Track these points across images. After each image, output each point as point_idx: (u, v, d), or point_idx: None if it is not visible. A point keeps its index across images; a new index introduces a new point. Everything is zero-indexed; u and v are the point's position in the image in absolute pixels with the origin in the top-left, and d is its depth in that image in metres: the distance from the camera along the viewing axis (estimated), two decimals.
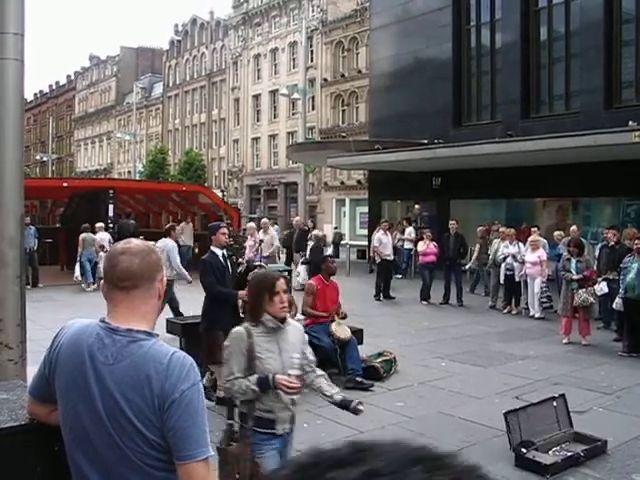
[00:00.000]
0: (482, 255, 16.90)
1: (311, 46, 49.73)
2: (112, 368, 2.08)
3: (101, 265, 18.21)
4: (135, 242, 2.25)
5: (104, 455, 2.09)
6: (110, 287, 2.19)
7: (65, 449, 2.21)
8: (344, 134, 34.18)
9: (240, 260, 8.08)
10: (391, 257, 17.88)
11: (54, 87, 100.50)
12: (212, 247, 7.71)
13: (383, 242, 17.44)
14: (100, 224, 19.13)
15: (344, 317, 9.27)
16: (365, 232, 31.40)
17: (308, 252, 18.08)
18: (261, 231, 17.30)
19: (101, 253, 17.31)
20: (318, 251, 16.76)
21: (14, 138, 6.12)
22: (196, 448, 2.04)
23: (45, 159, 79.09)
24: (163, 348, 2.11)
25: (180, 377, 2.05)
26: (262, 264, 9.47)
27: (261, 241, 15.87)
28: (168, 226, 13.10)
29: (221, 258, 7.61)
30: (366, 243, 27.28)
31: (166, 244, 11.75)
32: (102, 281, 2.24)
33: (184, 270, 12.06)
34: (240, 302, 7.43)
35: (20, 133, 6.32)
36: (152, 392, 2.04)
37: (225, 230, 7.80)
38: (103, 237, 18.46)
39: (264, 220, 17.88)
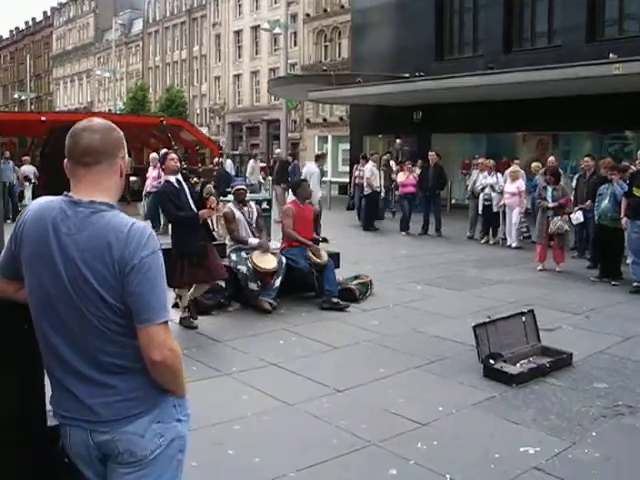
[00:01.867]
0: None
1: None
2: (75, 237, 2.15)
3: (27, 194, 19.61)
4: (97, 120, 2.30)
5: (69, 323, 2.18)
6: (73, 163, 2.25)
7: (33, 325, 2.31)
8: (326, 69, 33.79)
9: (194, 180, 8.05)
10: (380, 189, 17.97)
11: (30, 24, 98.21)
12: (164, 175, 7.71)
13: (374, 173, 17.51)
14: (26, 157, 21.60)
15: (324, 240, 9.44)
16: (347, 169, 31.34)
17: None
18: (150, 168, 16.64)
19: (26, 183, 19.89)
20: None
21: None
22: (155, 312, 2.14)
23: (23, 98, 77.77)
24: (124, 219, 2.19)
25: (140, 245, 2.13)
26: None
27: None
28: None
29: (176, 184, 7.59)
30: (347, 180, 27.29)
31: None
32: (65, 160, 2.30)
33: None
34: (210, 220, 7.60)
35: None
36: (112, 259, 2.12)
37: (173, 156, 7.74)
38: (28, 170, 20.30)
39: (153, 155, 17.00)
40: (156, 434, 2.26)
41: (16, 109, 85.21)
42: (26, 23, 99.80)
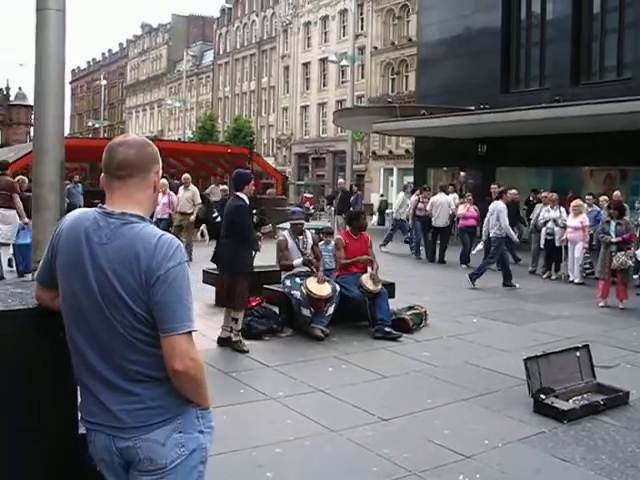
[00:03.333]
0: None
1: (361, 14, 49.41)
2: (105, 247, 2.22)
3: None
4: (132, 136, 2.39)
5: (97, 331, 2.24)
6: (108, 177, 2.34)
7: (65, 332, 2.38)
8: (391, 101, 33.93)
9: (254, 211, 8.27)
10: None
11: (107, 55, 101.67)
12: (240, 193, 7.75)
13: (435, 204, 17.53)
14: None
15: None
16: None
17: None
18: (181, 187, 16.29)
19: None
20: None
21: (55, 87, 6.33)
22: (179, 322, 2.17)
23: (97, 126, 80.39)
24: (153, 230, 2.25)
25: (167, 256, 2.19)
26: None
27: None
28: (500, 190, 14.93)
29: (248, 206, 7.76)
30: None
31: (496, 205, 13.66)
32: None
33: (511, 230, 13.86)
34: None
35: (61, 83, 6.54)
36: (140, 269, 2.17)
37: (254, 181, 7.93)
38: None
39: (185, 176, 16.72)
40: (177, 444, 2.28)
41: (90, 137, 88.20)
42: (102, 55, 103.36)
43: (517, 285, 13.40)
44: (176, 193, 15.74)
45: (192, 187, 16.33)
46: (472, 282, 13.08)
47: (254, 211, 8.35)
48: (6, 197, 11.99)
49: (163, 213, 15.00)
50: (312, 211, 25.36)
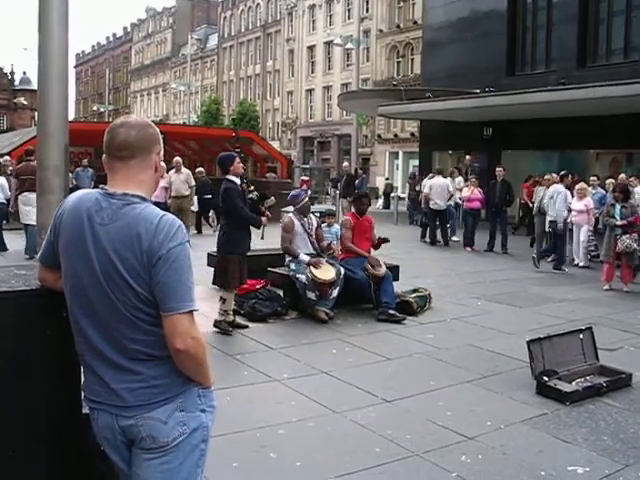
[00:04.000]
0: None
1: None
2: (107, 228, 2.24)
3: None
4: (133, 117, 2.41)
5: (99, 310, 2.26)
6: (109, 158, 2.36)
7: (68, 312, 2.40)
8: (396, 84, 33.80)
9: (252, 188, 8.22)
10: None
11: (111, 39, 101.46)
12: (229, 176, 7.74)
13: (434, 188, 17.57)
14: None
15: (386, 240, 9.46)
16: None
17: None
18: (172, 171, 16.10)
19: None
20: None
21: (58, 72, 6.34)
22: (180, 301, 2.19)
23: (102, 110, 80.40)
24: (154, 211, 2.27)
25: (168, 236, 2.21)
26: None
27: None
28: (562, 174, 14.84)
29: (239, 186, 7.76)
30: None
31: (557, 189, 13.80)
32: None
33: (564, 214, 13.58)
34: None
35: (65, 67, 6.54)
36: (142, 249, 2.19)
37: (239, 159, 7.90)
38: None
39: (176, 159, 16.67)
40: (179, 422, 2.31)
41: (95, 121, 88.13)
42: (107, 39, 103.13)
43: (566, 270, 13.61)
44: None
45: (184, 169, 16.50)
46: (559, 268, 13.47)
47: (252, 187, 8.29)
48: (32, 182, 12.19)
49: (160, 196, 14.57)
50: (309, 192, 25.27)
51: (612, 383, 6.17)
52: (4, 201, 13.86)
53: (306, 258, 8.64)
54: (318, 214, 10.91)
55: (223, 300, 7.88)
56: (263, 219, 7.98)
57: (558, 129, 21.49)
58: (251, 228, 7.99)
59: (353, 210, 9.70)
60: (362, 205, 9.52)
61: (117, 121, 2.38)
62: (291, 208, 9.42)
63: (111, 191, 2.30)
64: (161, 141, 2.43)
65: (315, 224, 9.09)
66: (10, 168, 15.35)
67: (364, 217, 9.47)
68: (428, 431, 5.04)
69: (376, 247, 9.58)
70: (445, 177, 18.29)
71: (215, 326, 7.77)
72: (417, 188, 21.25)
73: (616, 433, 5.12)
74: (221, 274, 7.84)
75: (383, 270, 8.98)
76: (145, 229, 2.20)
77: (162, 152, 2.44)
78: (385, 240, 9.61)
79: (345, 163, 24.41)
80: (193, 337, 2.21)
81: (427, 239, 17.85)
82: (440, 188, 17.48)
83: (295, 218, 8.93)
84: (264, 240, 10.03)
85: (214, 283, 8.59)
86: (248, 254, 7.99)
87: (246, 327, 7.94)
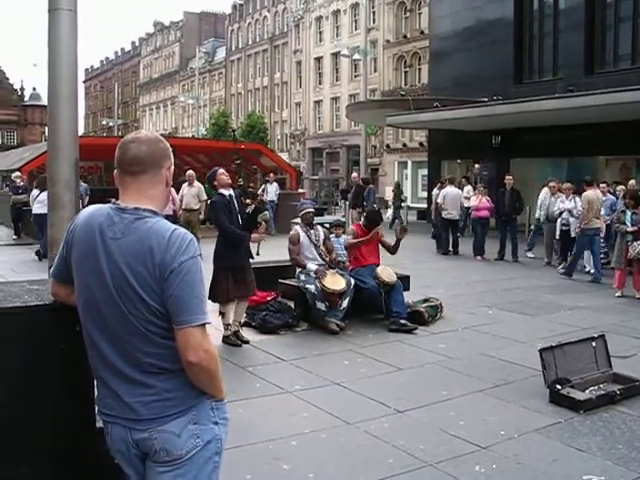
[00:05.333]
0: None
1: (373, 7, 49.36)
2: (119, 242, 2.26)
3: None
4: (144, 132, 2.43)
5: (112, 324, 2.28)
6: (121, 173, 2.38)
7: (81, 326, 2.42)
8: (404, 94, 33.83)
9: (248, 201, 8.15)
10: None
11: (119, 54, 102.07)
12: (221, 190, 7.73)
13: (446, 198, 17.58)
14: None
15: (403, 231, 9.55)
16: (426, 195, 31.23)
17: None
18: (185, 184, 16.29)
19: None
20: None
21: (68, 87, 6.36)
22: (193, 314, 2.21)
23: (111, 124, 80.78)
24: (166, 225, 2.29)
25: (180, 249, 2.22)
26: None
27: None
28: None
29: (228, 198, 7.71)
30: (426, 206, 27.24)
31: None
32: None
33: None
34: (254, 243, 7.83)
35: (74, 82, 6.56)
36: (154, 262, 2.21)
37: (223, 171, 7.87)
38: None
39: (189, 172, 16.72)
40: (192, 435, 2.32)
41: (104, 135, 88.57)
42: (115, 53, 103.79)
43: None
44: (177, 191, 15.49)
45: (197, 183, 16.36)
46: (595, 281, 13.16)
47: (247, 201, 8.23)
48: None
49: (167, 209, 14.83)
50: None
51: (626, 391, 6.13)
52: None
53: (314, 267, 8.63)
54: (327, 225, 10.91)
55: (222, 314, 7.89)
56: (256, 235, 7.83)
57: (567, 136, 21.45)
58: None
59: (362, 223, 9.69)
60: (369, 223, 9.52)
61: (128, 136, 2.41)
62: (299, 220, 9.43)
63: (123, 206, 2.32)
64: (172, 156, 2.45)
65: (322, 236, 9.06)
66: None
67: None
68: (441, 441, 5.03)
69: (394, 251, 9.60)
70: (457, 187, 18.28)
71: (224, 342, 7.77)
72: (402, 197, 21.48)
73: (631, 441, 5.09)
74: (210, 288, 7.72)
75: (394, 278, 9.01)
76: (157, 243, 2.22)
77: (172, 167, 2.46)
78: (403, 231, 9.59)
79: (354, 174, 24.49)
80: (206, 350, 2.22)
81: (450, 248, 17.69)
82: (454, 198, 17.50)
83: (301, 230, 8.93)
84: (276, 252, 10.03)
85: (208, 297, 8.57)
86: (258, 266, 7.95)
87: (247, 342, 7.87)
